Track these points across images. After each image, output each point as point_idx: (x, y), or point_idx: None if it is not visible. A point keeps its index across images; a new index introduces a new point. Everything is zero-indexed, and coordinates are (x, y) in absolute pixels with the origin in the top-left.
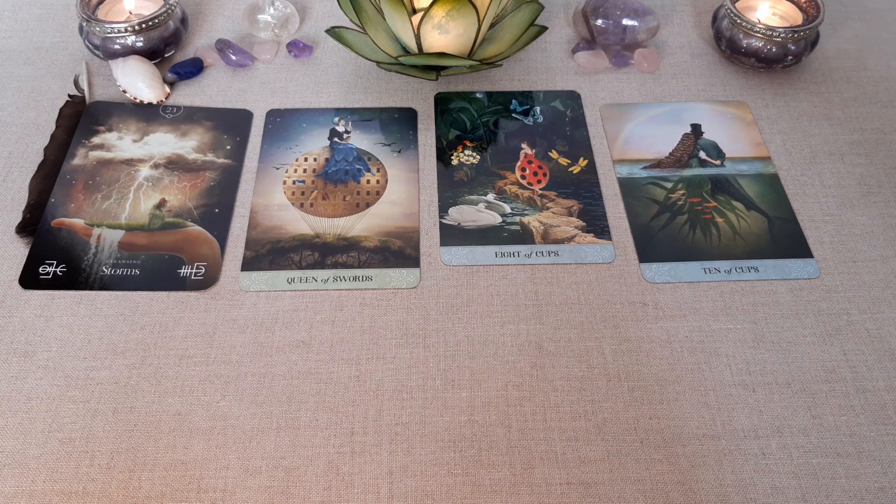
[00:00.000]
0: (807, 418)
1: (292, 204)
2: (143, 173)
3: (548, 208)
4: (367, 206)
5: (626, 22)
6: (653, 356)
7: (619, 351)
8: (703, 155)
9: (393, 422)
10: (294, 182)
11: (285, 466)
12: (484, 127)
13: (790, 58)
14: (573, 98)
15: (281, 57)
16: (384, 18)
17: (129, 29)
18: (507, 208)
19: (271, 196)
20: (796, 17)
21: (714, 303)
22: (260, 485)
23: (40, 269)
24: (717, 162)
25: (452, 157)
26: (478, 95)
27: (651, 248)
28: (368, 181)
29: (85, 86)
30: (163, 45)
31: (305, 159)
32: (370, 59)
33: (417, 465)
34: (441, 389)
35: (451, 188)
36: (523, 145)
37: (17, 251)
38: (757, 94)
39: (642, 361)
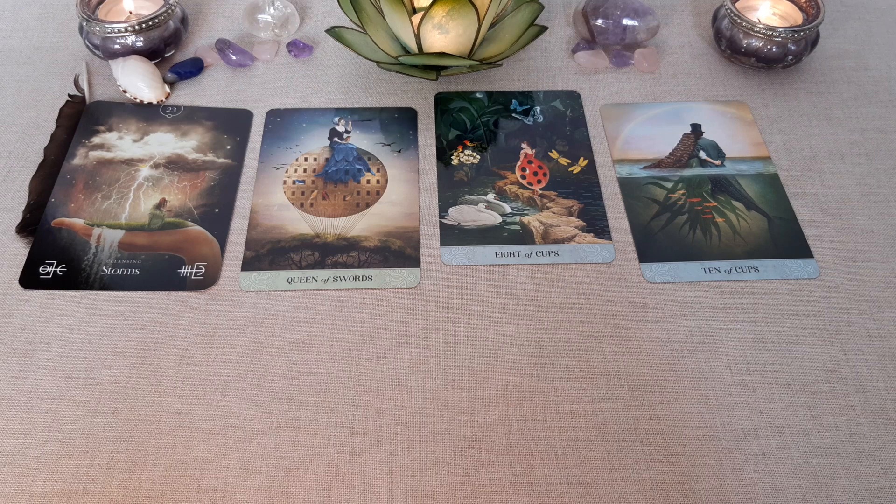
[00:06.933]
0: (807, 418)
1: (292, 204)
2: (144, 173)
3: (548, 208)
4: (367, 206)
5: (626, 22)
6: (653, 356)
7: (619, 351)
8: (703, 155)
9: (393, 422)
10: (294, 182)
11: (285, 466)
12: (484, 127)
13: (790, 58)
14: (573, 98)
15: (281, 57)
16: (384, 18)
17: (129, 29)
18: (507, 208)
19: (271, 196)
20: (796, 17)
21: (714, 303)
22: (260, 485)
23: (40, 269)
24: (717, 162)
25: (452, 157)
26: (478, 95)
27: (651, 247)
28: (368, 181)
29: (85, 86)
30: (163, 45)
31: (305, 159)
32: (370, 59)
33: (417, 465)
34: (441, 389)
35: (451, 188)
36: (523, 145)
37: (17, 251)
38: (757, 94)
39: (642, 361)
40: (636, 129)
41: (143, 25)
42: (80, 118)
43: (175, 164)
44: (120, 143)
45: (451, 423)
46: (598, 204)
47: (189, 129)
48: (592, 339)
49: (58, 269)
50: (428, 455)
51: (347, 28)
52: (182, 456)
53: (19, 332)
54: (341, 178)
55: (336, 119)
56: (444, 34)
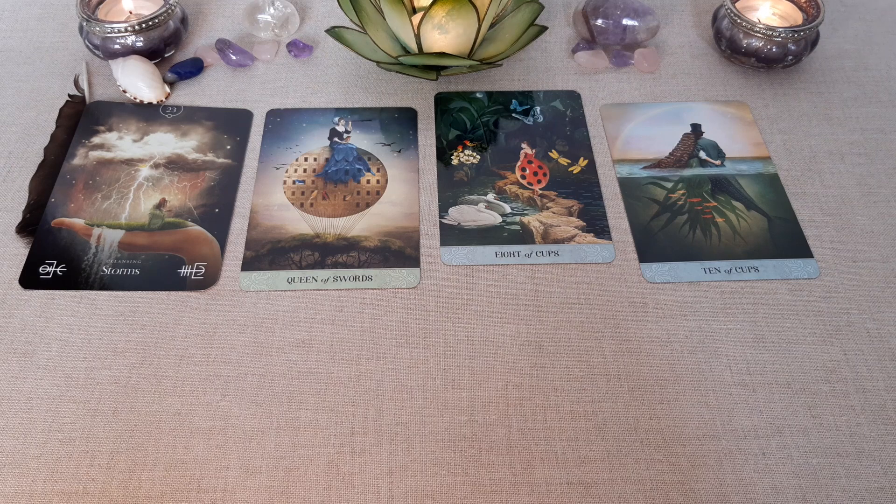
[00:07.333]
0: (807, 418)
1: (292, 204)
2: (143, 173)
3: (548, 208)
4: (367, 206)
5: (626, 22)
6: (653, 356)
7: (619, 351)
8: (703, 155)
9: (393, 422)
10: (294, 182)
11: (285, 466)
12: (484, 127)
13: (790, 58)
14: (573, 98)
15: (281, 57)
16: (384, 18)
17: (129, 29)
18: (507, 208)
19: (271, 196)
20: (796, 17)
21: (714, 303)
22: (260, 485)
23: (40, 269)
24: (717, 162)
25: (452, 157)
26: (478, 95)
27: (651, 247)
28: (368, 181)
29: (85, 86)
30: (163, 45)
31: (305, 159)
32: (370, 59)
33: (417, 465)
34: (441, 389)
35: (451, 188)
36: (523, 145)
37: (17, 251)
38: (757, 94)
39: (642, 361)
40: (636, 129)
41: (143, 25)
42: (80, 118)
43: (175, 164)
44: (120, 143)
45: (451, 423)
46: (598, 204)
47: (189, 129)
48: (592, 339)
49: (58, 269)
50: (428, 455)
51: (347, 28)
52: (182, 456)
53: (19, 332)
54: (341, 178)
55: (336, 119)
56: (444, 34)
